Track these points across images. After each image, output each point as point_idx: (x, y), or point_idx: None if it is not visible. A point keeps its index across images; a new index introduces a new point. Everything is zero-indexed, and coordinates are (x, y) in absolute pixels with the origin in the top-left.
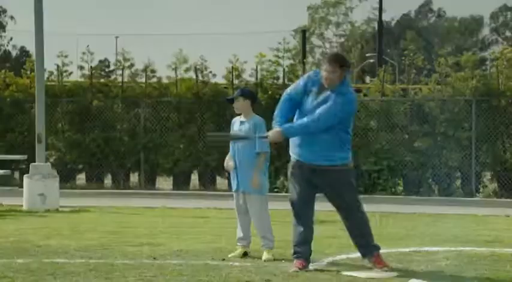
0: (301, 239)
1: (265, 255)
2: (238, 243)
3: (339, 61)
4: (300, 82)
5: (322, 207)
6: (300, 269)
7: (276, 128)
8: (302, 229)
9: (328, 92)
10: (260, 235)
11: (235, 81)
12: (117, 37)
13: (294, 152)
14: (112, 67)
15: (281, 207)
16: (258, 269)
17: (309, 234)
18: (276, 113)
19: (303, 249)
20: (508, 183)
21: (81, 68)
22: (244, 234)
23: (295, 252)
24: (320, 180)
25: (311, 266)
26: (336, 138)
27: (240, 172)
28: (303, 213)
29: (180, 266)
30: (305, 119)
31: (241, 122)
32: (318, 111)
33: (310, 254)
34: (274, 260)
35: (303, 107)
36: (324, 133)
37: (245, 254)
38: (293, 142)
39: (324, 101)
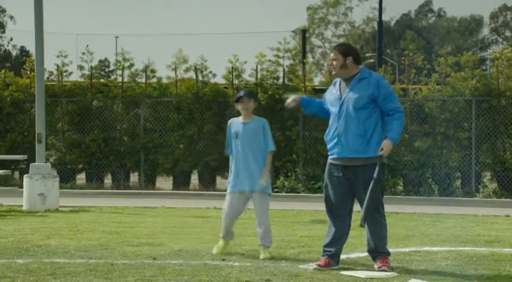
0: (330, 239)
1: (263, 254)
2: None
3: (340, 49)
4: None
5: (322, 207)
6: (320, 266)
7: (387, 141)
8: (334, 229)
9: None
10: (262, 234)
11: (235, 81)
12: (117, 37)
13: (329, 151)
14: (112, 67)
15: (281, 207)
16: (258, 269)
17: (339, 235)
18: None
19: (330, 249)
20: (508, 183)
21: (81, 68)
22: (230, 231)
23: (323, 250)
24: (353, 176)
25: (310, 266)
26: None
27: (245, 171)
28: (336, 213)
29: (180, 266)
30: (395, 116)
31: (244, 123)
32: (389, 105)
33: (338, 255)
34: (272, 258)
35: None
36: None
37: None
38: (328, 141)
39: (350, 89)
